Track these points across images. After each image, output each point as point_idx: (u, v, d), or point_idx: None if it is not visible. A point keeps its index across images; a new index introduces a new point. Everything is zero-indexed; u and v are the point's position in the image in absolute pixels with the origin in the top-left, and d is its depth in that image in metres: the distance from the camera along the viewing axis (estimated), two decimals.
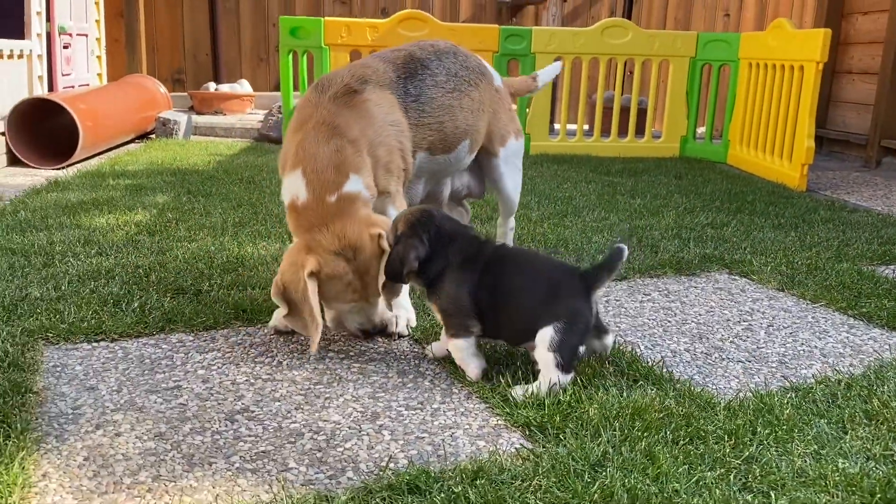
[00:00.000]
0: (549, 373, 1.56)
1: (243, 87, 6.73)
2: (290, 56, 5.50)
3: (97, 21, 5.57)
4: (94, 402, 1.55)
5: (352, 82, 1.87)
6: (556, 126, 5.74)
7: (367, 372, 1.72)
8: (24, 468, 1.28)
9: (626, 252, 1.62)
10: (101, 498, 1.23)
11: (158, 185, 3.60)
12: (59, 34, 4.81)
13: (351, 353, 1.82)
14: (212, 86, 6.68)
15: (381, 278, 1.74)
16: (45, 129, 4.40)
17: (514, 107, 2.38)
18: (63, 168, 4.11)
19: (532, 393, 1.56)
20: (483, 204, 3.27)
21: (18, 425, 1.39)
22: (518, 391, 1.57)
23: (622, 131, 5.43)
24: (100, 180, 3.69)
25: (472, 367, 1.67)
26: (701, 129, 5.99)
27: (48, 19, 4.72)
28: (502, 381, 1.63)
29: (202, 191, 3.47)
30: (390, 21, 5.40)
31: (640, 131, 5.41)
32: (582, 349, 1.61)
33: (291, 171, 1.79)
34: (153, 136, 5.47)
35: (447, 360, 1.75)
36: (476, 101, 2.10)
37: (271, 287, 1.77)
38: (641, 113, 5.48)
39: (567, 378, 1.57)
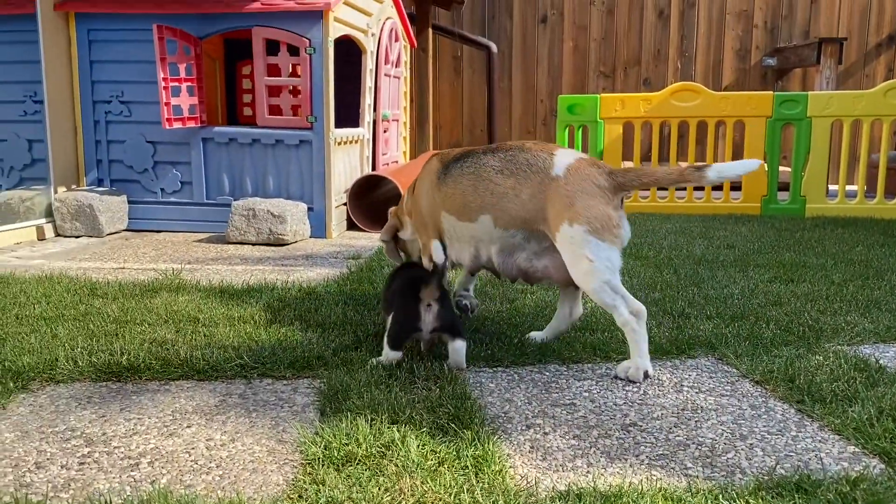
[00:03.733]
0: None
1: None
2: (566, 130, 6.07)
3: (405, 108, 6.59)
4: (515, 410, 2.06)
5: (434, 153, 2.86)
6: (832, 188, 5.71)
7: (723, 404, 2.07)
8: (494, 450, 1.79)
9: (446, 263, 2.55)
10: (555, 473, 1.70)
11: None
12: (382, 121, 5.81)
13: (704, 388, 2.19)
14: None
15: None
16: (367, 199, 5.35)
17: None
18: None
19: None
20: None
21: (477, 421, 1.92)
22: None
23: None
24: None
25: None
26: None
27: (374, 109, 5.73)
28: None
29: None
30: (663, 93, 5.78)
31: None
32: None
33: None
34: None
35: (779, 398, 2.04)
36: (503, 187, 2.39)
37: None
38: None
39: (394, 354, 2.27)
